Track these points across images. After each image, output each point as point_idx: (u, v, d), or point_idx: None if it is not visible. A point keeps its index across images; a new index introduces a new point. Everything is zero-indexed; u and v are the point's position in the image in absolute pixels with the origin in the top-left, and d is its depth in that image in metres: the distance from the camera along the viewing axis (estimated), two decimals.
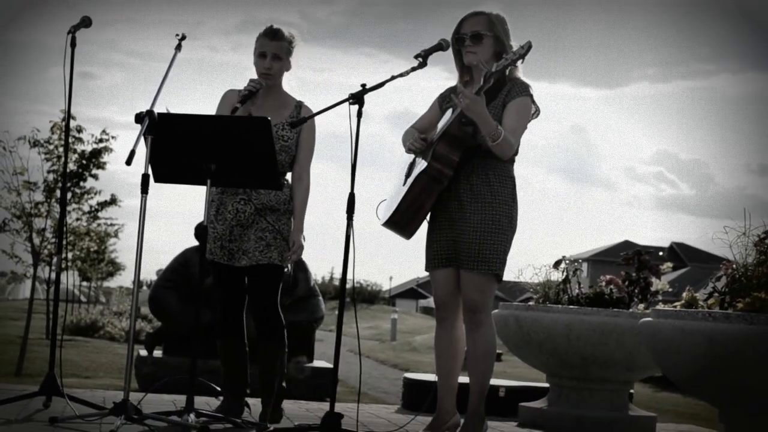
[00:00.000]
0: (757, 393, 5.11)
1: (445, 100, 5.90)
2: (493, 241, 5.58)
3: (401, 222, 5.67)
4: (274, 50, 5.95)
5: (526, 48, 5.45)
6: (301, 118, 5.79)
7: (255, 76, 5.97)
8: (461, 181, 5.62)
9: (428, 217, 5.78)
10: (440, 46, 5.63)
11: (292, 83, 6.14)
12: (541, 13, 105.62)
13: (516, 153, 5.68)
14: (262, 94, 5.99)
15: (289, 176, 6.04)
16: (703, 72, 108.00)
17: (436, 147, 5.55)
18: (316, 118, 5.97)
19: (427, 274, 5.97)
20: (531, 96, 5.67)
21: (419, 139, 5.73)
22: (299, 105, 6.07)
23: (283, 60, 5.99)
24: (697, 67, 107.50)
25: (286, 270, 5.96)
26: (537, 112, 5.73)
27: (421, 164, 5.66)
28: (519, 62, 5.51)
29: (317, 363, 9.74)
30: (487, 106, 5.44)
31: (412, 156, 5.84)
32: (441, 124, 5.72)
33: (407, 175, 5.77)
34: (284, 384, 6.12)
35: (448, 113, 5.70)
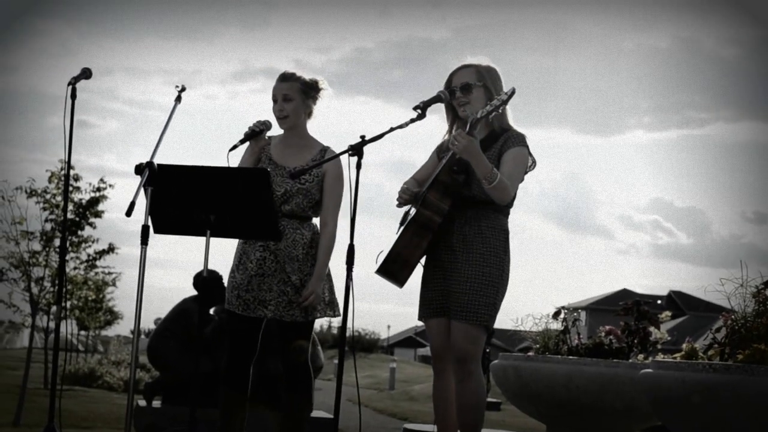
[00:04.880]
0: None
1: (442, 149, 5.92)
2: (483, 293, 5.57)
3: (392, 270, 5.66)
4: (284, 91, 5.98)
5: (510, 94, 5.44)
6: (300, 170, 5.79)
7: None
8: (454, 232, 5.62)
9: (422, 264, 5.78)
10: (439, 98, 5.66)
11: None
12: (536, 61, 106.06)
13: (511, 204, 5.69)
14: (284, 136, 6.04)
15: (316, 221, 6.10)
16: (698, 120, 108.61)
17: (426, 194, 5.57)
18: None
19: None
20: (527, 147, 5.68)
21: (408, 189, 5.73)
22: (324, 150, 6.09)
23: (296, 100, 6.00)
24: (692, 115, 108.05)
25: (316, 316, 5.97)
26: (533, 163, 5.72)
27: (412, 212, 5.68)
28: (502, 108, 5.48)
29: (316, 413, 9.67)
30: None
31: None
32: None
33: (401, 224, 5.79)
34: None
35: (443, 162, 5.72)
